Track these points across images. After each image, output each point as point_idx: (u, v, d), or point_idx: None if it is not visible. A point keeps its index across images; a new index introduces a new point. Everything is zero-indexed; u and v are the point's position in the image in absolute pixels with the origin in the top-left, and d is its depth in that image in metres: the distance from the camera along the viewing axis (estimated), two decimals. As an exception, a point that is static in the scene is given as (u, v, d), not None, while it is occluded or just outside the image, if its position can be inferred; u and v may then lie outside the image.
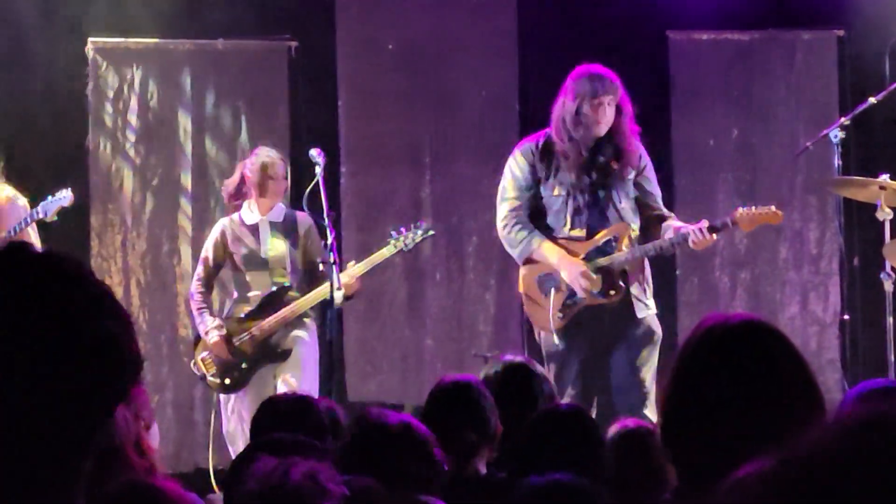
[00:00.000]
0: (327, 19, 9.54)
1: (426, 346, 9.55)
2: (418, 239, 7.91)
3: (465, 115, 9.61)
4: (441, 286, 9.56)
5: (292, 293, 7.94)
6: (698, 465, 2.46)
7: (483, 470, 4.56)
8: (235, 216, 8.13)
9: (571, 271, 7.11)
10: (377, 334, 9.54)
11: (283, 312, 7.89)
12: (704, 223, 7.06)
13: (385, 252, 7.86)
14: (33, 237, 7.93)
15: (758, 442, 2.07)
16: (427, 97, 9.59)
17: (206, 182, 9.38)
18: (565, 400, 6.99)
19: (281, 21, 9.40)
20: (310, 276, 8.00)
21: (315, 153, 7.56)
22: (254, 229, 8.05)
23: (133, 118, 9.36)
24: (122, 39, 9.35)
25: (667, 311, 7.36)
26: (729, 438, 2.41)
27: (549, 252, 7.17)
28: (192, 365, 8.17)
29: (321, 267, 7.65)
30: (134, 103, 9.37)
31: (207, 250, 8.14)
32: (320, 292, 7.71)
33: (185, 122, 9.42)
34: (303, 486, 3.03)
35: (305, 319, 7.98)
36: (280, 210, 8.10)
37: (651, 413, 6.89)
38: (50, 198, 7.99)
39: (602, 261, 7.13)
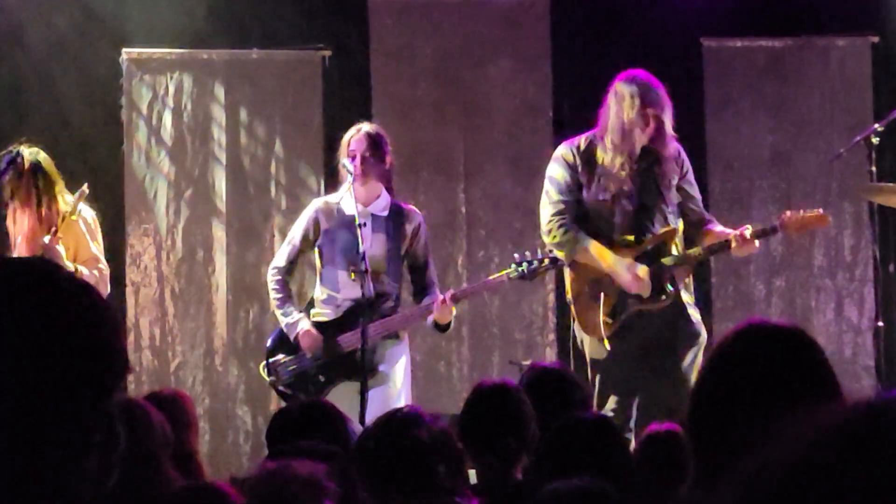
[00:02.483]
0: (361, 29, 9.56)
1: (462, 354, 9.54)
2: (541, 271, 7.29)
3: (498, 123, 9.61)
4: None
5: (390, 303, 7.22)
6: (718, 458, 2.48)
7: (519, 475, 4.55)
8: (332, 199, 7.32)
9: (625, 272, 7.05)
10: (412, 343, 9.53)
11: (379, 326, 7.07)
12: (748, 228, 7.04)
13: (507, 274, 7.25)
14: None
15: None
16: (460, 105, 9.59)
17: (240, 191, 9.40)
18: (609, 405, 6.97)
19: (315, 30, 9.42)
20: (417, 284, 7.37)
21: (348, 162, 7.22)
22: (351, 221, 7.05)
23: (167, 127, 9.39)
24: (156, 49, 9.39)
25: (702, 318, 7.34)
26: (752, 435, 2.42)
27: (600, 253, 7.08)
28: (261, 368, 7.42)
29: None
30: (168, 113, 9.40)
31: (295, 237, 7.30)
32: (425, 312, 7.12)
33: (218, 131, 9.44)
34: (302, 487, 3.07)
35: (399, 332, 7.29)
36: (384, 201, 7.25)
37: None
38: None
39: (653, 266, 7.08)
